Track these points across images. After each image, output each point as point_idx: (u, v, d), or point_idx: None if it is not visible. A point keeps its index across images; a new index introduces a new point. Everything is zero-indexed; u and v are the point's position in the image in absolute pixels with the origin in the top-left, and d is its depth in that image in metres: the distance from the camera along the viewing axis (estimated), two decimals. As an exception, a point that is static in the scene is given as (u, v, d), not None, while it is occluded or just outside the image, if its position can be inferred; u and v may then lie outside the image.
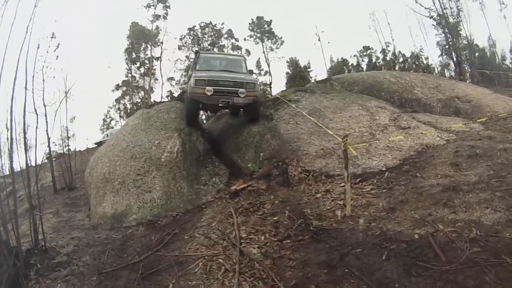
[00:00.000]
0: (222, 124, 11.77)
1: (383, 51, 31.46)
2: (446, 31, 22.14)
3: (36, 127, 8.47)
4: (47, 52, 10.00)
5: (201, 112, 11.87)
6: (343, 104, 9.70)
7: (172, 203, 7.46)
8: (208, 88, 8.44)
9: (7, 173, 7.75)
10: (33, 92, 8.17)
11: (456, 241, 3.77)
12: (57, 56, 10.87)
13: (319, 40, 36.41)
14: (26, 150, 7.08)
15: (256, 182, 7.07)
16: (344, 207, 5.31)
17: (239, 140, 9.36)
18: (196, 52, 10.94)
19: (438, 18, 22.01)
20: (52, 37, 11.07)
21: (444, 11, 21.59)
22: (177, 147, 8.54)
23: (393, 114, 9.12)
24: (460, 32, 22.36)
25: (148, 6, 36.65)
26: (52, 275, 5.43)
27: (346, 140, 5.26)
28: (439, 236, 3.95)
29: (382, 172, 6.54)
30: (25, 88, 7.01)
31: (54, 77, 13.80)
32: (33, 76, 7.86)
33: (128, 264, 5.34)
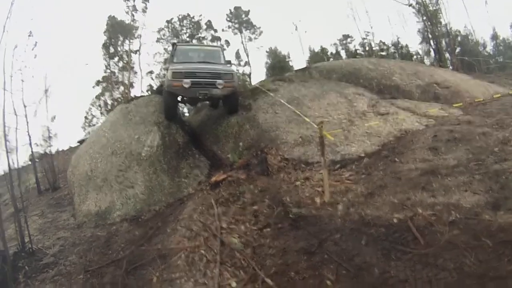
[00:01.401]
0: (202, 116, 11.70)
1: (363, 40, 31.69)
2: (425, 18, 22.31)
3: (16, 128, 8.28)
4: (25, 51, 9.73)
5: (181, 105, 11.73)
6: (321, 92, 9.76)
7: (155, 197, 7.45)
8: (185, 80, 8.33)
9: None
10: (11, 93, 7.95)
11: (435, 224, 3.83)
12: (35, 55, 10.54)
13: (296, 29, 36.39)
14: (7, 152, 6.96)
15: (236, 173, 7.08)
16: (323, 193, 5.38)
17: (219, 131, 9.40)
18: (173, 45, 10.81)
19: (417, 6, 22.20)
20: (29, 35, 10.75)
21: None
22: (157, 141, 8.52)
23: (371, 100, 9.24)
24: (440, 20, 22.56)
25: (127, -1, 35.90)
26: (40, 277, 5.46)
27: (321, 126, 5.30)
28: (418, 220, 4.02)
29: (361, 158, 6.64)
30: (4, 89, 6.88)
31: (33, 76, 13.45)
32: (11, 76, 7.64)
33: (113, 260, 5.37)
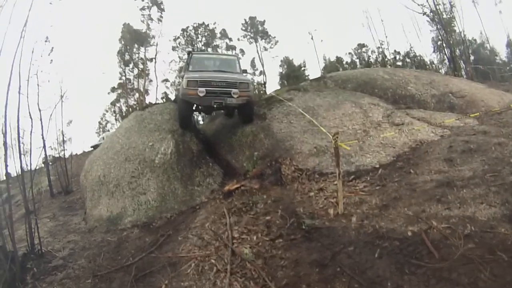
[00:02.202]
0: (216, 125, 11.74)
1: (378, 49, 31.54)
2: (439, 27, 22.14)
3: (31, 132, 8.47)
4: (41, 56, 9.98)
5: (196, 113, 11.75)
6: (336, 102, 9.67)
7: (167, 205, 7.46)
8: (200, 89, 8.28)
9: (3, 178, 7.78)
10: (27, 97, 8.14)
11: (450, 237, 3.71)
12: (51, 60, 10.82)
13: (312, 38, 36.53)
14: (20, 155, 7.09)
15: (249, 182, 7.05)
16: (337, 205, 5.29)
17: (233, 140, 9.37)
18: (189, 53, 10.80)
19: (432, 14, 22.04)
20: (46, 41, 11.04)
21: (437, 7, 21.63)
22: (171, 149, 8.52)
23: (386, 110, 9.11)
24: (454, 28, 22.36)
25: (143, 8, 36.62)
26: (48, 279, 5.51)
27: (337, 137, 5.23)
28: (433, 233, 3.90)
29: (376, 169, 6.52)
30: (19, 92, 7.03)
31: (49, 81, 13.79)
32: (28, 80, 7.82)
33: (123, 266, 5.40)
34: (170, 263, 5.01)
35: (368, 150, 7.24)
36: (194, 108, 9.17)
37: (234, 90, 8.52)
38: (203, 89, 8.31)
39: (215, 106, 8.84)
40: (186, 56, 12.02)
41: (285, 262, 4.36)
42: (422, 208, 4.52)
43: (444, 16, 22.37)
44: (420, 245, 3.77)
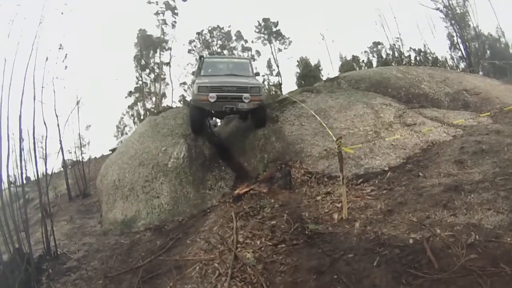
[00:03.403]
0: (231, 128, 11.82)
1: (392, 47, 30.96)
2: (453, 22, 21.57)
3: (46, 137, 8.78)
4: (56, 63, 10.31)
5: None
6: (347, 103, 9.58)
7: (179, 208, 7.60)
8: (211, 94, 8.29)
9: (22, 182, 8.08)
10: (42, 103, 8.43)
11: (452, 246, 3.59)
12: (66, 66, 11.13)
13: (323, 39, 36.27)
14: (36, 159, 7.36)
15: (258, 186, 7.11)
16: (342, 210, 5.27)
17: (245, 143, 9.42)
18: (200, 57, 10.86)
19: (445, 9, 21.52)
20: (60, 48, 11.37)
21: (450, 2, 21.08)
22: (183, 153, 8.63)
23: (398, 110, 8.98)
24: (468, 22, 21.72)
25: (157, 13, 37.28)
26: (62, 280, 5.74)
27: (340, 141, 5.20)
28: (435, 241, 3.80)
29: (385, 172, 6.45)
30: (34, 99, 7.32)
31: (64, 87, 14.25)
32: (42, 87, 8.10)
33: (132, 268, 5.56)
34: (176, 266, 5.13)
35: (378, 152, 7.18)
36: (206, 113, 9.18)
37: (245, 95, 8.49)
38: (214, 94, 8.31)
39: (226, 111, 8.87)
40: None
41: (285, 267, 4.37)
42: (427, 214, 4.43)
43: (458, 11, 21.75)
44: (420, 254, 3.68)
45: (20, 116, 6.52)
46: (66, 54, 10.86)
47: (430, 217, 4.36)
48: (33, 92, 7.33)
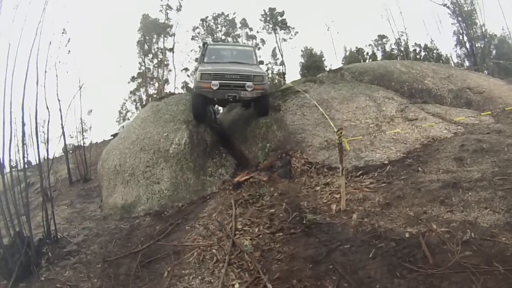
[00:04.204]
0: (233, 115, 11.76)
1: (397, 41, 30.74)
2: (460, 19, 21.39)
3: (48, 121, 8.79)
4: (59, 48, 10.25)
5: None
6: (350, 95, 9.55)
7: (179, 194, 7.66)
8: (214, 82, 8.17)
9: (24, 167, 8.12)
10: (44, 87, 8.43)
11: (447, 242, 3.63)
12: (69, 51, 11.10)
13: (328, 30, 36.02)
14: (38, 144, 7.39)
15: (258, 174, 7.15)
16: (340, 201, 5.31)
17: (247, 131, 9.41)
18: (204, 44, 10.65)
19: (452, 6, 21.33)
20: (63, 33, 11.33)
21: (458, -1, 20.93)
22: (185, 139, 8.64)
23: (400, 105, 8.95)
24: (475, 21, 21.53)
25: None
26: (62, 263, 5.81)
27: (341, 132, 5.22)
28: (431, 236, 3.84)
29: (384, 165, 6.45)
30: (37, 84, 7.32)
31: (67, 72, 14.17)
32: (45, 72, 8.09)
33: (131, 253, 5.65)
34: (175, 251, 5.23)
35: (378, 145, 7.18)
36: (208, 100, 9.05)
37: (248, 83, 8.38)
38: (216, 82, 8.20)
39: (229, 99, 8.74)
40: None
41: (282, 256, 4.44)
42: (424, 209, 4.46)
43: (465, 8, 21.55)
44: (416, 248, 3.73)
45: (22, 101, 6.51)
46: (69, 39, 10.86)
47: (427, 212, 4.39)
48: (36, 77, 7.32)
